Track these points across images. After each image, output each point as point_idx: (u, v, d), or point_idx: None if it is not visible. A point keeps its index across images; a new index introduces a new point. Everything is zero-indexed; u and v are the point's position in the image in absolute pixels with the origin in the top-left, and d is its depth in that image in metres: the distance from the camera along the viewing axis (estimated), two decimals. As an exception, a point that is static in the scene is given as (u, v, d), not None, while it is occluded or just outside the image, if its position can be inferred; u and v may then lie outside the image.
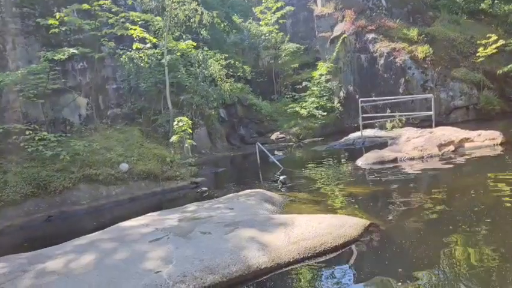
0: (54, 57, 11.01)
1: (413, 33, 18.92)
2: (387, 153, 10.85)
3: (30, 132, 9.86)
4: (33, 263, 4.92)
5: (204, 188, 10.20)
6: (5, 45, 11.36)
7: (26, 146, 9.64)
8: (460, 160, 9.73)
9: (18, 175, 9.13)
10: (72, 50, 11.28)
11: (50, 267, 4.68)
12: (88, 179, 9.83)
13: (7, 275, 4.63)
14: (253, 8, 26.19)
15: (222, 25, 23.91)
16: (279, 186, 9.35)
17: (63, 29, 11.87)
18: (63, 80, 12.17)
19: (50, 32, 11.68)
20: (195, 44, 15.98)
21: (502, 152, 9.87)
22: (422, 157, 10.38)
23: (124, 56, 13.94)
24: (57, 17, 11.44)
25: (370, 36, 19.72)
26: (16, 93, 10.95)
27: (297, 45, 25.17)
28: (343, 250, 4.83)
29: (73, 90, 12.71)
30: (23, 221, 8.44)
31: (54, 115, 12.20)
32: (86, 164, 10.14)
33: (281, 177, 9.67)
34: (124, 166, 10.51)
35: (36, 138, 9.82)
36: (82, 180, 9.74)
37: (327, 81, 22.16)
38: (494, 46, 17.34)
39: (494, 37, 17.41)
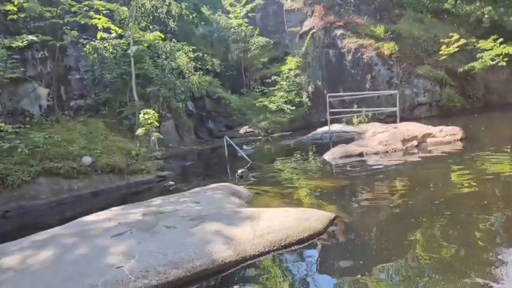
0: (12, 45, 10.49)
1: (380, 30, 19.31)
2: (353, 148, 11.03)
3: (-14, 123, 9.41)
4: (-13, 260, 4.68)
5: (171, 182, 10.05)
6: (-41, 31, 10.75)
7: (-19, 138, 9.19)
8: (422, 154, 10.03)
9: (-28, 168, 8.69)
10: (31, 37, 10.77)
11: (5, 264, 4.47)
12: (48, 173, 9.46)
13: (-43, 273, 4.38)
14: (222, 0, 25.94)
15: (191, 17, 23.56)
16: (236, 179, 9.33)
17: (22, 15, 11.31)
18: (22, 69, 11.63)
19: (8, 19, 11.10)
20: (162, 36, 15.66)
21: (461, 148, 10.24)
22: (387, 151, 10.62)
23: (88, 46, 13.49)
24: (15, 3, 10.89)
25: (338, 32, 19.97)
26: (-29, 83, 10.41)
27: (267, 39, 25.16)
28: (308, 243, 4.86)
29: (33, 79, 12.18)
30: (-23, 216, 8.06)
31: (13, 106, 11.65)
32: (46, 157, 9.75)
33: (239, 171, 9.67)
34: (87, 159, 10.18)
35: (-8, 129, 9.37)
36: (41, 174, 9.36)
37: (296, 76, 22.30)
38: (456, 45, 17.95)
39: (456, 36, 18.02)
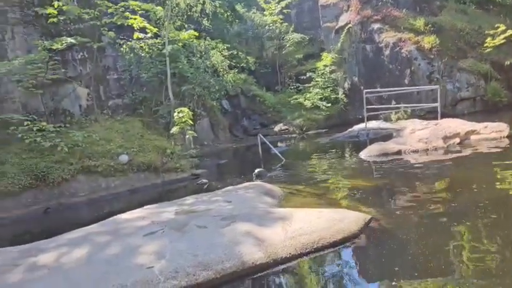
0: (52, 47, 10.83)
1: (420, 23, 18.56)
2: (391, 146, 10.65)
3: (29, 122, 9.74)
4: (25, 257, 4.81)
5: (204, 180, 10.07)
6: (4, 35, 11.18)
7: (25, 137, 9.53)
8: (465, 153, 9.52)
9: (17, 166, 9.03)
10: (70, 40, 11.07)
11: (41, 261, 4.58)
12: (86, 171, 9.71)
13: (-3, 269, 4.53)
14: (257, -2, 25.84)
15: (225, 15, 23.59)
16: (254, 178, 9.29)
17: (62, 18, 11.67)
18: (63, 70, 11.98)
19: (49, 22, 11.49)
20: (197, 34, 15.74)
21: (508, 145, 9.64)
22: (427, 150, 10.17)
23: (124, 46, 13.77)
24: (55, 6, 11.25)
25: (376, 26, 19.39)
26: (15, 84, 10.81)
27: (302, 35, 24.80)
28: (342, 246, 4.68)
29: (73, 80, 12.55)
30: (21, 213, 8.36)
31: (54, 106, 12.05)
32: (85, 155, 10.01)
33: (256, 170, 9.62)
34: (124, 157, 10.38)
35: (35, 128, 9.69)
36: (80, 172, 9.63)
37: (331, 72, 21.88)
38: (502, 36, 16.98)
39: (502, 27, 17.04)
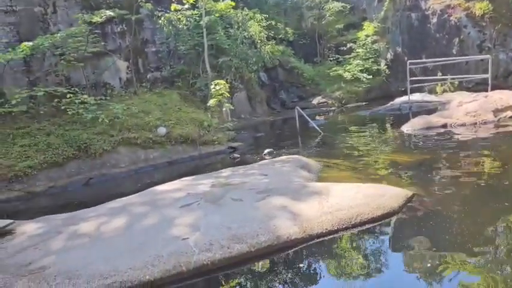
0: (92, 20, 10.92)
1: (471, -13, 17.28)
2: (435, 119, 10.15)
3: (71, 95, 9.99)
4: (68, 225, 4.99)
5: (236, 155, 10.06)
6: (46, 8, 11.40)
7: (68, 109, 9.81)
8: (517, 127, 8.92)
9: (60, 137, 9.34)
10: (109, 12, 11.12)
11: (82, 230, 4.72)
12: (126, 143, 9.91)
13: (42, 236, 4.72)
14: (296, -34, 24.90)
15: (263, -16, 22.98)
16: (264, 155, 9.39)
17: (101, -10, 11.77)
18: (103, 43, 12.13)
19: (88, -5, 11.62)
20: (233, 4, 15.41)
21: None
22: (475, 123, 9.61)
23: (162, 18, 13.71)
24: (95, -21, 11.33)
25: (422, -8, 18.27)
26: (58, 57, 11.08)
27: (343, 4, 23.78)
28: (381, 222, 4.50)
29: (113, 53, 12.71)
30: (65, 183, 8.68)
31: (96, 79, 12.29)
32: (125, 127, 10.20)
33: (266, 151, 9.56)
34: (162, 130, 10.50)
35: (77, 101, 9.94)
36: (121, 144, 9.84)
37: (373, 42, 21.00)
38: None
39: None
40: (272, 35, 19.72)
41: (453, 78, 15.37)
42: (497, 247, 3.76)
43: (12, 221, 5.11)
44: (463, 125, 9.64)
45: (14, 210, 7.37)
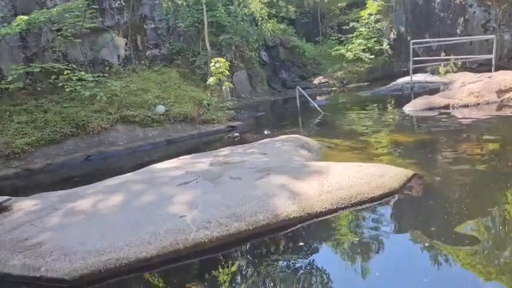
0: (89, -6, 10.72)
1: (478, -35, 16.87)
2: (438, 99, 10.02)
3: (69, 72, 9.85)
4: (65, 202, 4.95)
5: (236, 134, 9.97)
6: (42, -18, 11.15)
7: (65, 86, 9.67)
8: (521, 108, 8.81)
9: (58, 115, 9.24)
10: (106, -14, 10.93)
11: (79, 207, 4.68)
12: (124, 120, 9.81)
13: (39, 212, 4.68)
14: None
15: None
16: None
17: (99, -36, 11.47)
18: (100, 19, 11.91)
19: (86, -33, 11.30)
20: (234, -20, 15.15)
21: None
22: (478, 104, 9.49)
23: (161, -7, 13.46)
24: (92, -49, 11.02)
25: (427, -31, 17.84)
26: (55, 33, 10.87)
27: (346, -18, 23.36)
28: (381, 201, 4.45)
29: (111, 29, 12.48)
30: (63, 160, 8.62)
31: (93, 55, 12.11)
32: (123, 105, 10.09)
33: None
34: (161, 108, 10.39)
35: (74, 78, 9.80)
36: (119, 122, 9.74)
37: (376, 21, 20.61)
38: None
39: None
40: (273, 12, 19.38)
41: (456, 59, 15.13)
42: (498, 228, 3.71)
43: (9, 197, 5.06)
44: (466, 105, 9.52)
45: (11, 187, 7.34)
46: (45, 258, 3.59)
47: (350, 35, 21.03)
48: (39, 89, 10.06)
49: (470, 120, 8.35)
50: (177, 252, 3.68)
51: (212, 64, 11.38)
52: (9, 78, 9.32)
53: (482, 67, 14.26)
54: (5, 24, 9.68)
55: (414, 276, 3.07)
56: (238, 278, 3.44)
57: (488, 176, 5.02)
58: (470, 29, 16.44)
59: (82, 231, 3.99)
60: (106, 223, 4.13)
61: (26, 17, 9.29)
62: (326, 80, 19.06)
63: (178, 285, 3.40)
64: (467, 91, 10.00)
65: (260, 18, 17.13)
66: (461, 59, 14.95)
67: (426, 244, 3.54)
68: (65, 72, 9.79)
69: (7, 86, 9.36)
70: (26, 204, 4.98)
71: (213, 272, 3.53)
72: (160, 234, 3.78)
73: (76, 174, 7.98)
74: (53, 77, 9.88)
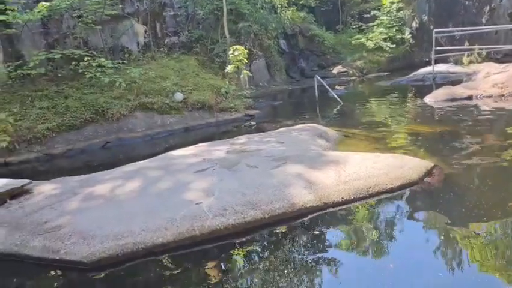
0: (109, -19, 10.77)
1: (506, -49, 16.25)
2: (460, 90, 9.78)
3: (89, 58, 9.94)
4: (84, 186, 5.02)
5: (252, 122, 9.94)
6: (63, -32, 11.22)
7: (85, 72, 9.78)
8: (548, 100, 8.52)
9: (78, 101, 9.38)
10: (126, -27, 10.95)
11: (97, 192, 4.74)
12: (143, 107, 9.90)
13: (58, 196, 4.77)
14: None
15: None
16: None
17: (119, -50, 11.49)
18: (120, 6, 11.98)
19: (106, -46, 11.33)
20: (254, -33, 14.98)
21: None
22: (502, 95, 9.22)
23: (180, -20, 13.43)
24: None
25: (453, -44, 17.30)
26: (76, 19, 10.98)
27: (368, -31, 22.89)
28: (399, 193, 4.38)
29: (131, 16, 12.54)
30: (82, 146, 8.76)
31: (113, 42, 12.21)
32: (142, 92, 10.17)
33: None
34: (179, 95, 10.43)
35: (94, 64, 9.90)
36: (138, 108, 9.83)
37: (398, 9, 20.20)
38: None
39: None
40: (293, 0, 19.15)
41: (481, 49, 14.71)
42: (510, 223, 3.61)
43: (29, 181, 5.17)
44: (489, 96, 9.26)
45: (32, 170, 7.51)
46: (65, 241, 3.66)
47: (371, 24, 20.69)
48: (60, 75, 10.20)
49: (494, 111, 8.12)
50: (193, 239, 3.70)
51: (230, 52, 11.34)
52: (31, 64, 9.47)
53: (508, 57, 13.85)
54: (27, 11, 9.81)
55: (429, 269, 3.02)
56: (254, 264, 3.44)
57: (510, 170, 4.88)
58: (496, 17, 15.93)
59: (100, 215, 4.04)
60: (123, 208, 4.18)
61: (47, 4, 9.39)
62: (345, 69, 18.82)
63: (194, 269, 3.43)
64: (491, 82, 9.72)
65: (279, 6, 16.96)
66: (486, 48, 14.53)
67: (445, 237, 3.47)
68: (85, 59, 9.90)
69: (29, 71, 9.52)
70: (46, 188, 5.08)
71: (228, 258, 3.54)
72: (176, 220, 3.81)
73: (95, 159, 8.10)
74: (73, 63, 10.01)
